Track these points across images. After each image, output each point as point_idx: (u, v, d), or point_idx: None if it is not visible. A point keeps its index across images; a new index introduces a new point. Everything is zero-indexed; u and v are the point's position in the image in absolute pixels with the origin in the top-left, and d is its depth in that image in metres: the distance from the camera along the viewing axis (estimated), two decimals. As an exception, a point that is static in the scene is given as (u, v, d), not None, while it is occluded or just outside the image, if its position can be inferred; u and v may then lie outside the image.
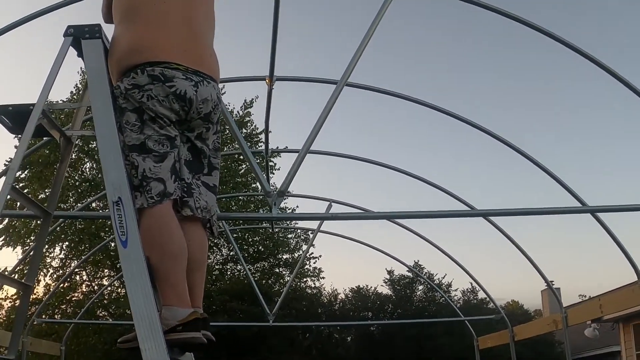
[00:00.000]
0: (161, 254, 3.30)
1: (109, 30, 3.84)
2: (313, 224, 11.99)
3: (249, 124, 28.17)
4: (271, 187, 5.30)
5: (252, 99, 27.58)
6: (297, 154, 5.09)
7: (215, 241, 27.77)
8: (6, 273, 13.47)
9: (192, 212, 3.57)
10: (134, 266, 3.08)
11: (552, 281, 9.83)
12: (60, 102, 22.00)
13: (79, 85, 25.87)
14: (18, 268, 11.41)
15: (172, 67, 3.50)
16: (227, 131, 22.30)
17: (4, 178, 4.21)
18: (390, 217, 7.57)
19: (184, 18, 3.71)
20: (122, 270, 3.13)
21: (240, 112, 28.04)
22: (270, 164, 25.47)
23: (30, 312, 19.02)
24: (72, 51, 3.73)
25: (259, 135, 27.65)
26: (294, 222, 26.29)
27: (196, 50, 3.68)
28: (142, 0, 3.72)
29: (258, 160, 21.80)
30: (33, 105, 3.54)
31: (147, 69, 3.46)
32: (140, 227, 3.27)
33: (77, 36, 3.65)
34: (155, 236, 3.33)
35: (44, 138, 6.38)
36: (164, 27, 3.63)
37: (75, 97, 25.01)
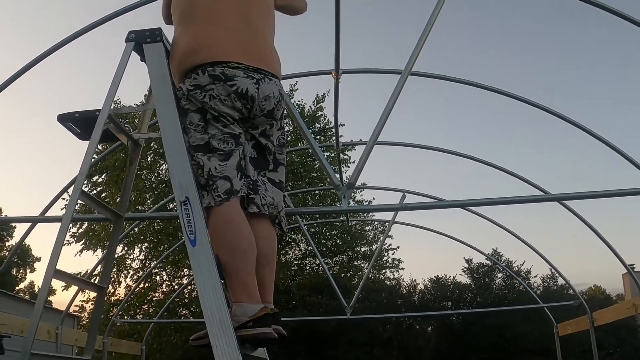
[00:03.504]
0: (230, 251, 3.32)
1: (170, 32, 3.88)
2: (389, 216, 11.97)
3: (321, 119, 28.11)
4: (344, 181, 5.28)
5: (324, 94, 27.48)
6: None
7: (293, 236, 27.92)
8: (86, 276, 13.78)
9: (258, 209, 3.59)
10: (203, 264, 3.11)
11: (632, 264, 9.57)
12: (135, 105, 22.47)
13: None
14: (97, 271, 11.66)
15: (233, 66, 3.52)
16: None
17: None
18: (462, 205, 7.44)
19: (242, 16, 3.72)
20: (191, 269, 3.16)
21: (313, 107, 28.02)
22: (345, 157, 25.44)
23: (111, 314, 19.50)
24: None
25: (332, 130, 27.53)
26: (370, 214, 26.24)
27: (256, 48, 3.69)
28: (200, 1, 3.75)
29: (333, 155, 21.79)
30: (99, 110, 3.61)
31: (208, 69, 3.49)
32: (208, 226, 3.30)
33: (139, 41, 3.70)
34: (223, 234, 3.35)
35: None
36: (222, 27, 3.65)
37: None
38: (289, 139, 23.72)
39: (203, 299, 3.03)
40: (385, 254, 30.80)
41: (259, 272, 3.50)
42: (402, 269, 33.07)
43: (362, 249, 31.29)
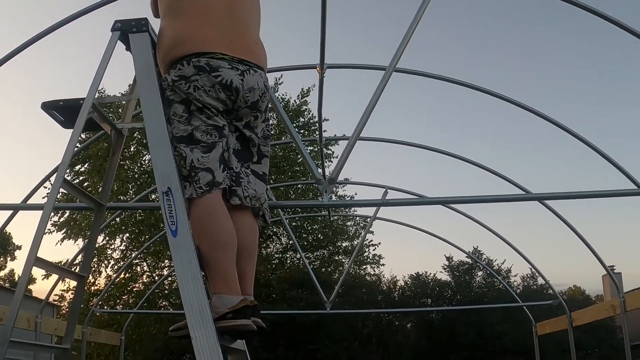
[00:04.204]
0: (211, 242, 3.33)
1: (156, 23, 3.88)
2: (371, 212, 11.98)
3: (306, 113, 28.02)
4: (327, 176, 5.30)
5: (309, 88, 27.35)
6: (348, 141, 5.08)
7: (275, 230, 27.89)
8: (66, 265, 13.72)
9: (241, 201, 3.59)
10: (184, 255, 3.12)
11: (612, 266, 9.67)
12: (119, 95, 22.37)
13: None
14: (78, 260, 11.62)
15: (218, 57, 3.52)
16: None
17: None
18: (444, 202, 7.49)
19: (228, 8, 3.73)
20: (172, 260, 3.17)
21: (297, 101, 27.94)
22: (329, 152, 25.40)
23: (91, 303, 19.45)
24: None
25: (316, 124, 27.35)
26: (352, 209, 26.28)
27: (242, 40, 3.69)
28: None
29: (316, 149, 21.72)
30: (83, 99, 3.61)
31: (193, 60, 3.49)
32: (189, 217, 3.30)
33: (125, 30, 3.70)
34: (204, 225, 3.36)
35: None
36: (208, 18, 3.65)
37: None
38: (272, 132, 23.64)
39: (183, 289, 3.03)
40: (366, 249, 30.77)
41: (240, 265, 3.51)
42: (383, 265, 33.14)
43: (343, 244, 31.27)
